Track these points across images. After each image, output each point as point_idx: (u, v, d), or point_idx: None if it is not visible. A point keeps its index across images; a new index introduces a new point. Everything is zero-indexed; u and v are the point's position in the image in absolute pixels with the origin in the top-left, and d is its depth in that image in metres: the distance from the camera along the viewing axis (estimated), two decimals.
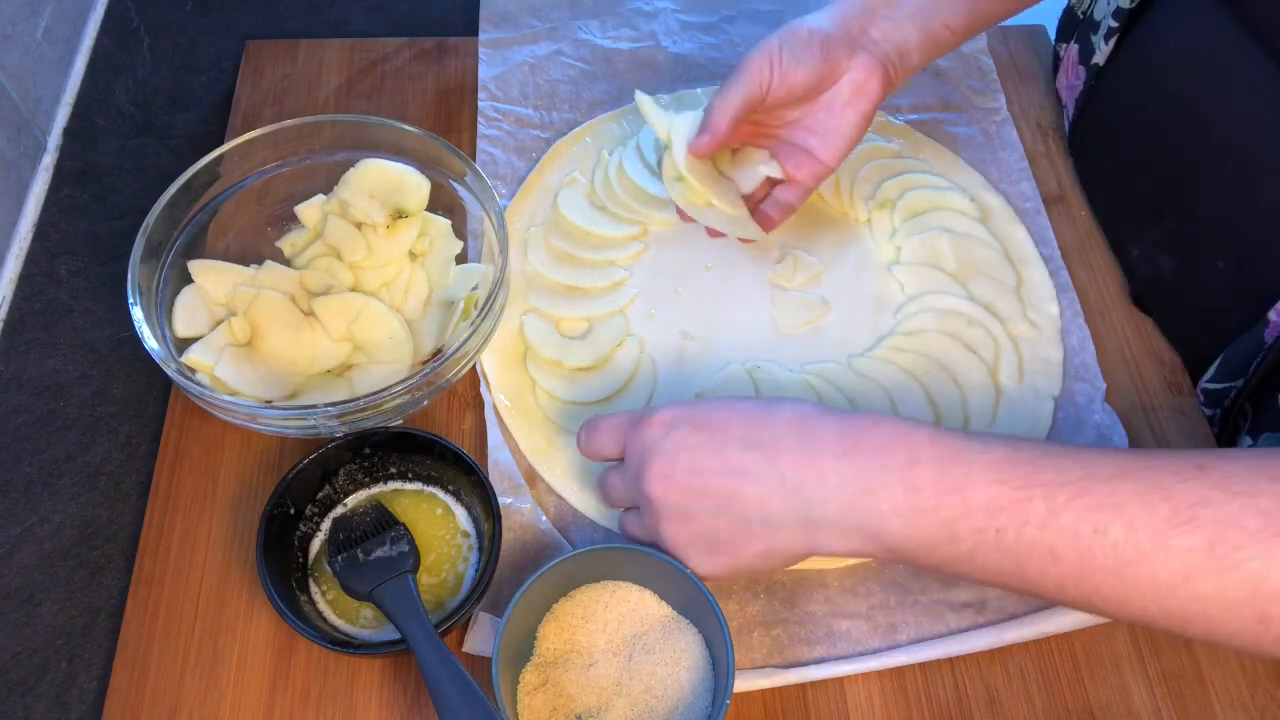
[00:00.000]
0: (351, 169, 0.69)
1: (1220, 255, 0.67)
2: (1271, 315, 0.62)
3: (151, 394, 0.69)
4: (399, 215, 0.69)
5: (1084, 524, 0.45)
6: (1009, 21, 0.91)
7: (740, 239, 0.73)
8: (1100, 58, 0.76)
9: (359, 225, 0.69)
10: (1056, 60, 0.85)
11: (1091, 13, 0.78)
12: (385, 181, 0.69)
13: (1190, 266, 0.69)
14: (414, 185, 0.69)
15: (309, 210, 0.70)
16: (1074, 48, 0.80)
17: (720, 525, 0.52)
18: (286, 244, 0.71)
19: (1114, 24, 0.74)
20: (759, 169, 0.70)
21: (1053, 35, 0.87)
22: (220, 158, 0.68)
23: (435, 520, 0.63)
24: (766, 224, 0.71)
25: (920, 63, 0.67)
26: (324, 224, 0.70)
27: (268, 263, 0.68)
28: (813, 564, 0.63)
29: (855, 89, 0.65)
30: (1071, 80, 0.81)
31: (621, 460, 0.57)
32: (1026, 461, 0.47)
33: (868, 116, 0.66)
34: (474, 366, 0.69)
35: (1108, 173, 0.78)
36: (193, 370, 0.63)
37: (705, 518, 0.52)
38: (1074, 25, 0.81)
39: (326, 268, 0.68)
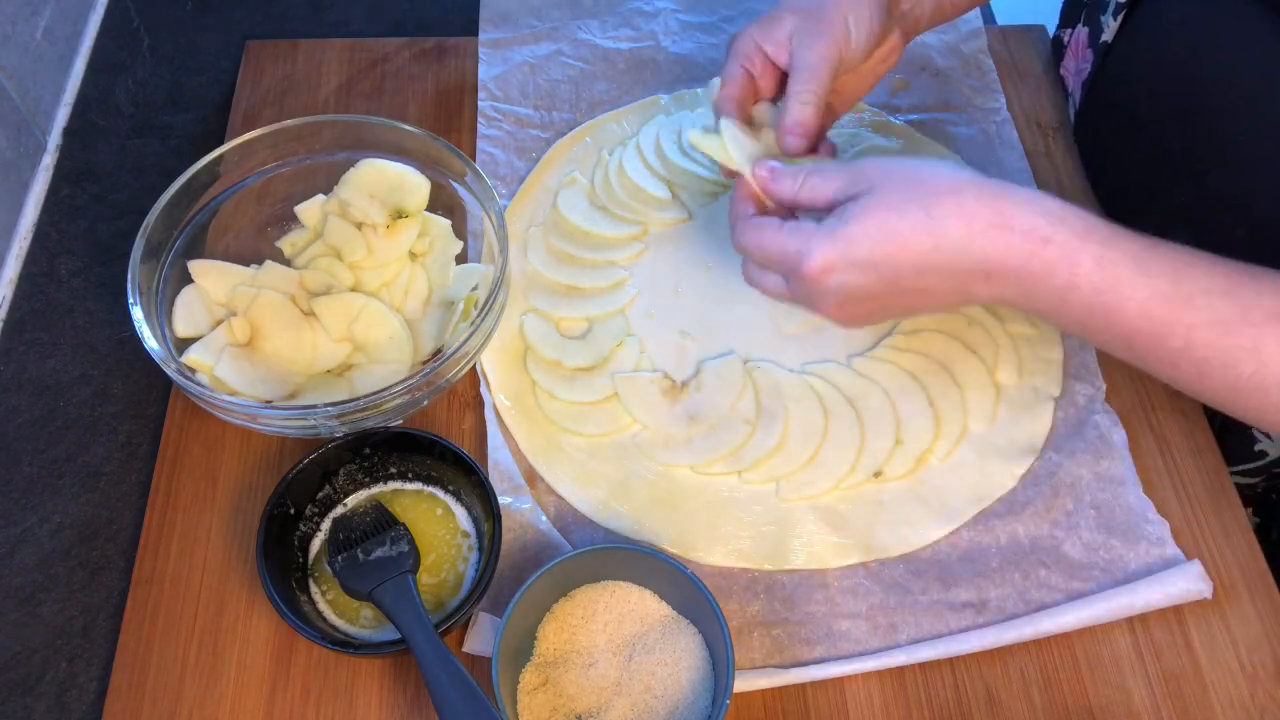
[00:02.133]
0: (351, 169, 0.69)
1: (1240, 224, 0.66)
2: None
3: (151, 394, 0.69)
4: (399, 215, 0.69)
5: (1216, 359, 0.50)
6: (1009, 22, 0.92)
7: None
8: (1109, 35, 0.76)
9: (359, 225, 0.69)
10: (1060, 49, 0.84)
11: None
12: (385, 181, 0.69)
13: (1208, 240, 0.69)
14: (414, 185, 0.69)
15: (309, 210, 0.70)
16: (1082, 30, 0.80)
17: (895, 315, 0.60)
18: (286, 244, 0.71)
19: (1122, 0, 0.74)
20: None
21: (1054, 23, 0.87)
22: (220, 158, 0.68)
23: (435, 520, 0.63)
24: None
25: (924, 29, 0.69)
26: (324, 224, 0.70)
27: (268, 263, 0.68)
28: (813, 564, 0.63)
29: (882, 58, 0.66)
30: (1079, 64, 0.81)
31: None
32: (1184, 300, 0.50)
33: (881, 77, 0.68)
34: (474, 366, 0.69)
35: (1116, 154, 0.78)
36: (193, 370, 0.63)
37: (882, 317, 0.58)
38: (1079, 8, 0.81)
39: (326, 268, 0.68)
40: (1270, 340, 0.49)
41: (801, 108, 0.60)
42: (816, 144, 0.63)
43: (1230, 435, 0.69)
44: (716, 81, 0.65)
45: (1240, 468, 0.69)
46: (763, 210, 0.61)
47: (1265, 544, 0.65)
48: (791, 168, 0.58)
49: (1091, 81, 0.79)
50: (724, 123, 0.63)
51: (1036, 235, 0.51)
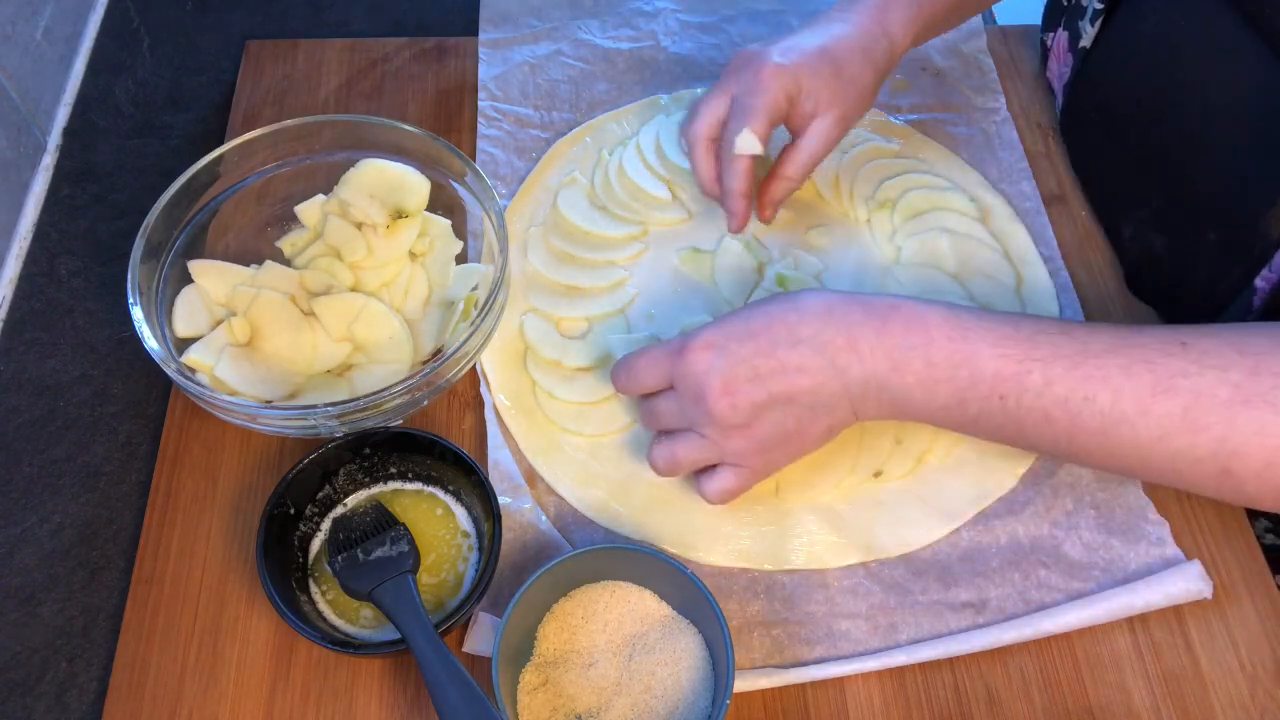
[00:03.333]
0: (351, 169, 0.69)
1: (1211, 227, 0.67)
2: (1258, 283, 0.62)
3: (151, 394, 0.69)
4: (399, 215, 0.69)
5: (1075, 393, 0.52)
6: (1008, 22, 0.92)
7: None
8: (1087, 41, 0.77)
9: (359, 225, 0.69)
10: (1045, 51, 0.85)
11: None
12: (385, 181, 0.69)
13: (1182, 242, 0.69)
14: (414, 185, 0.69)
15: (309, 210, 0.70)
16: (1063, 34, 0.81)
17: (787, 419, 0.57)
18: (286, 244, 0.71)
19: (1099, 6, 0.74)
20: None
21: (1030, 17, 0.88)
22: (220, 158, 0.68)
23: (435, 520, 0.63)
24: (765, 217, 0.76)
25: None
26: (324, 224, 0.70)
27: (268, 263, 0.68)
28: (813, 564, 0.63)
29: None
30: (1060, 68, 0.81)
31: (660, 391, 0.60)
32: (1026, 339, 0.54)
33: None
34: (474, 366, 0.69)
35: (1099, 156, 0.79)
36: (193, 370, 0.63)
37: (772, 417, 0.57)
38: (1059, 12, 0.82)
39: (326, 268, 0.68)
40: (1114, 369, 0.52)
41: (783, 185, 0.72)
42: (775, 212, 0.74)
43: None
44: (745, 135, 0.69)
45: None
46: None
47: None
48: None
49: (1072, 86, 0.79)
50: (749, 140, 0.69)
51: (884, 304, 0.56)
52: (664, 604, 0.59)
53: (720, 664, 0.56)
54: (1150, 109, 0.71)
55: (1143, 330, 0.53)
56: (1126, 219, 0.75)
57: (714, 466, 0.60)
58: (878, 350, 0.55)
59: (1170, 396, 0.51)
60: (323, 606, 0.60)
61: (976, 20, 0.89)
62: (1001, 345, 0.54)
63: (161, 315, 0.64)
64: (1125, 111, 0.74)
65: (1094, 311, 0.74)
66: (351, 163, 0.70)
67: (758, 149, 0.68)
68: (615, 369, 0.62)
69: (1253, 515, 0.71)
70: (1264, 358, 0.50)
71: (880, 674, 0.60)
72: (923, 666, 0.60)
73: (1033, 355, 0.53)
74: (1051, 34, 0.83)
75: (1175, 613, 0.62)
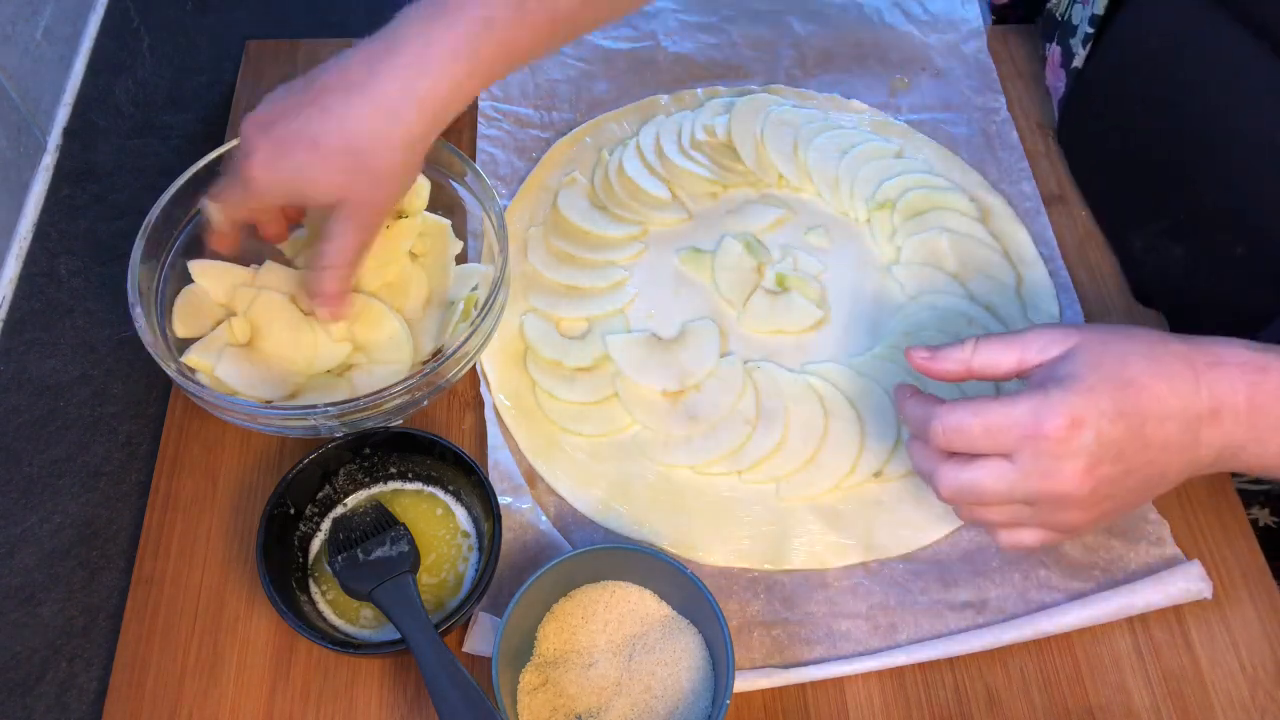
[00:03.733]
0: None
1: (1239, 241, 0.66)
2: None
3: (151, 394, 0.69)
4: (399, 215, 0.68)
5: None
6: (1008, 22, 0.92)
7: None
8: (1078, 62, 0.76)
9: None
10: (1044, 59, 0.85)
11: (1070, 16, 0.78)
12: None
13: (1205, 254, 0.69)
14: (414, 186, 0.69)
15: (309, 211, 0.70)
16: (1056, 49, 0.81)
17: (1128, 497, 0.52)
18: (287, 244, 0.71)
19: (1090, 30, 0.74)
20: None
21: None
22: (220, 158, 0.68)
23: (435, 520, 0.63)
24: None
25: None
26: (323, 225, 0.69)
27: (268, 263, 0.68)
28: (813, 564, 0.63)
29: None
30: (1055, 82, 0.82)
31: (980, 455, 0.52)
32: None
33: None
34: (474, 366, 0.69)
35: (1100, 169, 0.78)
36: (193, 370, 0.63)
37: (1120, 493, 0.51)
38: (1054, 26, 0.82)
39: None
40: None
41: (326, 278, 0.61)
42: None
43: None
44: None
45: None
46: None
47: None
48: (952, 344, 0.55)
49: (1066, 103, 0.79)
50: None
51: (1253, 365, 0.50)
52: (664, 604, 0.59)
53: (720, 664, 0.56)
54: (1155, 122, 0.71)
55: None
56: (1137, 231, 0.74)
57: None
58: (1242, 421, 0.50)
59: None
60: (323, 606, 0.60)
61: (976, 20, 0.89)
62: None
63: (161, 315, 0.64)
64: (1123, 129, 0.74)
65: (1094, 312, 0.74)
66: None
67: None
68: (934, 420, 0.52)
69: (1253, 504, 0.71)
70: None
71: (880, 674, 0.60)
72: (923, 666, 0.60)
73: None
74: (1048, 45, 0.83)
75: (1175, 613, 0.62)
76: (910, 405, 0.55)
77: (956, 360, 0.54)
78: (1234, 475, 0.70)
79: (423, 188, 0.69)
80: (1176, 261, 0.71)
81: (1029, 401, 0.50)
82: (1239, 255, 0.66)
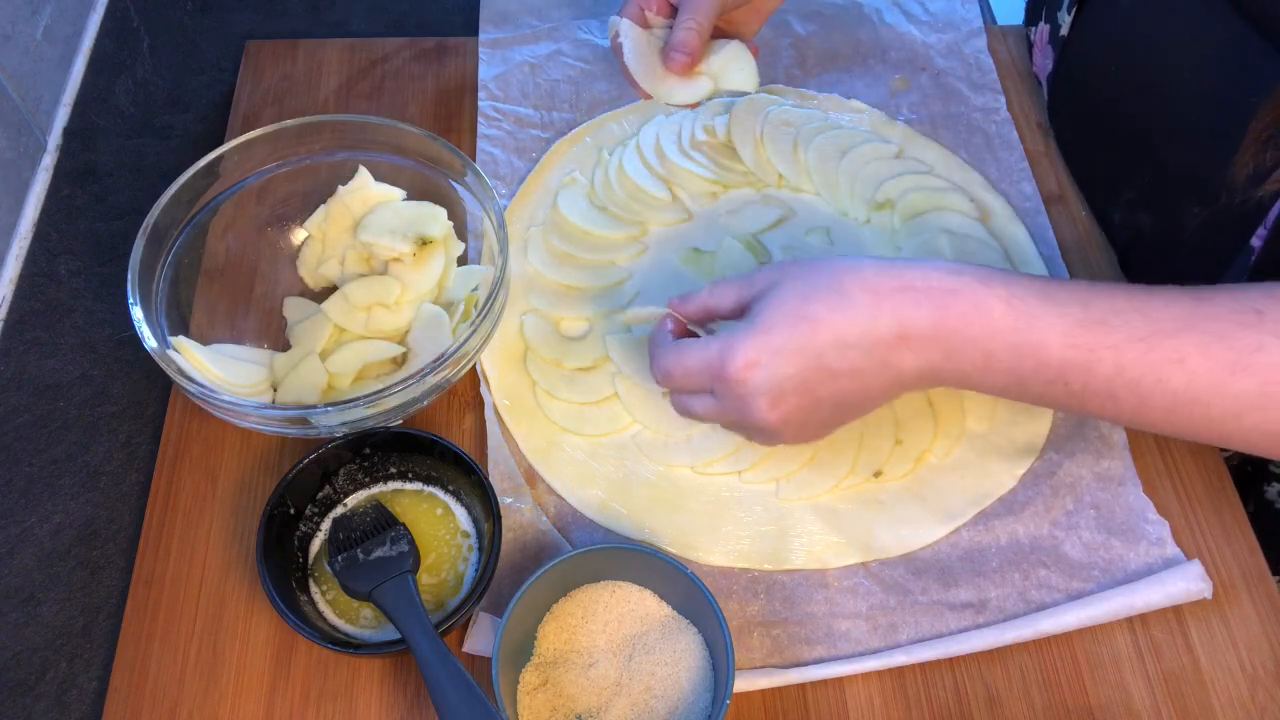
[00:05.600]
0: (367, 214, 0.69)
1: (1196, 201, 0.66)
2: (1254, 242, 0.62)
3: (151, 394, 0.69)
4: (424, 243, 0.68)
5: (1147, 375, 0.50)
6: (1009, 22, 0.92)
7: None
8: (1065, 30, 0.77)
9: (386, 263, 0.69)
10: (1030, 46, 0.85)
11: None
12: (403, 218, 0.69)
13: (1168, 219, 0.69)
14: (432, 214, 0.69)
15: (313, 223, 0.71)
16: (1044, 28, 0.82)
17: (834, 415, 0.57)
18: (305, 273, 0.72)
19: None
20: (736, 53, 0.72)
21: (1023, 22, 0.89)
22: (220, 158, 0.68)
23: (435, 520, 0.63)
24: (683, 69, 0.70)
25: None
26: (350, 289, 0.69)
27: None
28: (813, 564, 0.63)
29: None
30: (1043, 60, 0.82)
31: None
32: (1098, 322, 0.51)
33: (773, 11, 0.74)
34: (474, 366, 0.69)
35: (1085, 144, 0.79)
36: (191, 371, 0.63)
37: (820, 417, 0.56)
38: (1040, 6, 0.83)
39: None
40: (1192, 348, 0.50)
41: (686, 32, 0.67)
42: (697, 64, 0.70)
43: None
44: (616, 19, 0.70)
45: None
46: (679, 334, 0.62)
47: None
48: (694, 291, 0.60)
49: (1053, 77, 0.80)
50: (624, 24, 0.69)
51: (941, 289, 0.52)
52: (664, 604, 0.59)
53: (720, 664, 0.56)
54: (1128, 90, 0.72)
55: (1214, 297, 0.51)
56: (1116, 203, 0.75)
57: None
58: (931, 343, 0.52)
59: (1248, 375, 0.49)
60: (323, 606, 0.60)
61: (976, 20, 0.89)
62: (1071, 334, 0.51)
63: (161, 315, 0.64)
64: (1106, 95, 0.75)
65: None
66: (352, 163, 0.70)
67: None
68: (653, 363, 0.59)
69: (1267, 478, 0.71)
70: None
71: (880, 674, 0.60)
72: (923, 666, 0.60)
73: (1105, 342, 0.50)
74: (1034, 28, 0.83)
75: (1175, 613, 0.62)
76: (649, 346, 0.61)
77: (698, 302, 0.60)
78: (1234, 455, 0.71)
79: (441, 214, 0.69)
80: (1146, 230, 0.71)
81: (716, 344, 0.55)
82: (1196, 215, 0.66)
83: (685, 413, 0.60)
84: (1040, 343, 0.51)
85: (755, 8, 0.72)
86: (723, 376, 0.54)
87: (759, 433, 0.57)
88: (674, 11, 0.70)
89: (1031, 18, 0.85)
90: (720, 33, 0.73)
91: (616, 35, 0.70)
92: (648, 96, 0.71)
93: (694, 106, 0.74)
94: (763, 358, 0.53)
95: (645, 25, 0.71)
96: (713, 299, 0.59)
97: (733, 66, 0.71)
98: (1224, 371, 0.49)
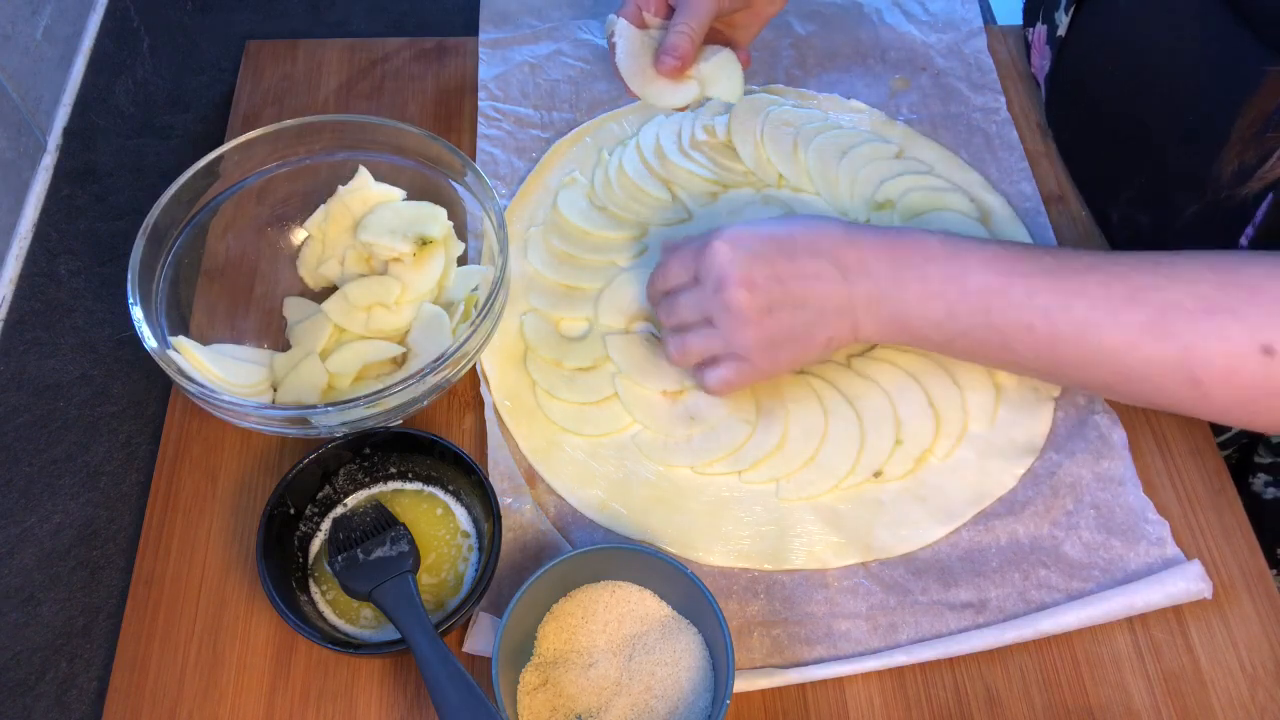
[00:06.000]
0: (367, 214, 0.69)
1: (1192, 200, 0.67)
2: (1242, 241, 0.63)
3: (151, 394, 0.69)
4: (424, 243, 0.68)
5: (1054, 302, 0.57)
6: (1009, 22, 0.92)
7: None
8: (1063, 30, 0.77)
9: (386, 263, 0.69)
10: (1028, 47, 0.85)
11: None
12: (403, 218, 0.69)
13: (1166, 218, 0.70)
14: (432, 214, 0.69)
15: (313, 223, 0.71)
16: (1042, 28, 0.82)
17: (796, 320, 0.61)
18: (305, 272, 0.72)
19: None
20: (727, 60, 0.72)
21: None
22: (220, 158, 0.68)
23: (435, 520, 0.63)
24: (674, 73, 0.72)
25: None
26: (350, 289, 0.69)
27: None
28: (813, 564, 0.63)
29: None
30: (1040, 61, 0.82)
31: (683, 286, 0.64)
32: (1012, 256, 0.59)
33: (777, 12, 0.75)
34: (474, 366, 0.69)
35: (1084, 144, 0.79)
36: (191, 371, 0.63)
37: (783, 314, 0.61)
38: (1038, 6, 0.83)
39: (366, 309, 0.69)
40: (1092, 284, 0.56)
41: (678, 35, 0.68)
42: (687, 69, 0.70)
43: None
44: (613, 18, 0.71)
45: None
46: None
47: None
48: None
49: (1051, 77, 0.80)
50: (620, 24, 0.71)
51: (894, 231, 0.62)
52: (664, 604, 0.59)
53: (720, 664, 0.56)
54: (1126, 90, 0.72)
55: (1125, 254, 0.57)
56: (1115, 202, 0.75)
57: (717, 360, 0.64)
58: (883, 268, 0.60)
59: (1140, 306, 0.54)
60: (323, 606, 0.60)
61: (976, 20, 0.89)
62: (991, 263, 0.58)
63: (161, 315, 0.64)
64: (1104, 95, 0.75)
65: None
66: (352, 163, 0.70)
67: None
68: (651, 277, 0.67)
69: (1252, 470, 0.71)
70: (1232, 273, 0.54)
71: (880, 674, 0.60)
72: (923, 666, 0.60)
73: (1017, 270, 0.58)
74: (1031, 29, 0.83)
75: (1175, 613, 0.62)
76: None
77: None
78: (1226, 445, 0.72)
79: (441, 214, 0.69)
80: (1145, 230, 0.71)
81: (702, 236, 0.63)
82: (1192, 215, 0.67)
83: (669, 311, 0.65)
84: (965, 268, 0.59)
85: (755, 12, 0.73)
86: (705, 249, 0.62)
87: (726, 315, 0.61)
88: (671, 12, 0.70)
89: (1029, 18, 0.85)
90: (718, 36, 0.73)
91: (612, 34, 0.71)
92: (636, 96, 0.72)
93: (681, 110, 0.75)
94: (743, 237, 0.61)
95: (642, 25, 0.71)
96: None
97: (720, 75, 0.72)
98: (1119, 301, 0.55)
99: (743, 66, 0.73)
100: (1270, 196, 0.60)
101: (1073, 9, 0.76)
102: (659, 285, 0.67)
